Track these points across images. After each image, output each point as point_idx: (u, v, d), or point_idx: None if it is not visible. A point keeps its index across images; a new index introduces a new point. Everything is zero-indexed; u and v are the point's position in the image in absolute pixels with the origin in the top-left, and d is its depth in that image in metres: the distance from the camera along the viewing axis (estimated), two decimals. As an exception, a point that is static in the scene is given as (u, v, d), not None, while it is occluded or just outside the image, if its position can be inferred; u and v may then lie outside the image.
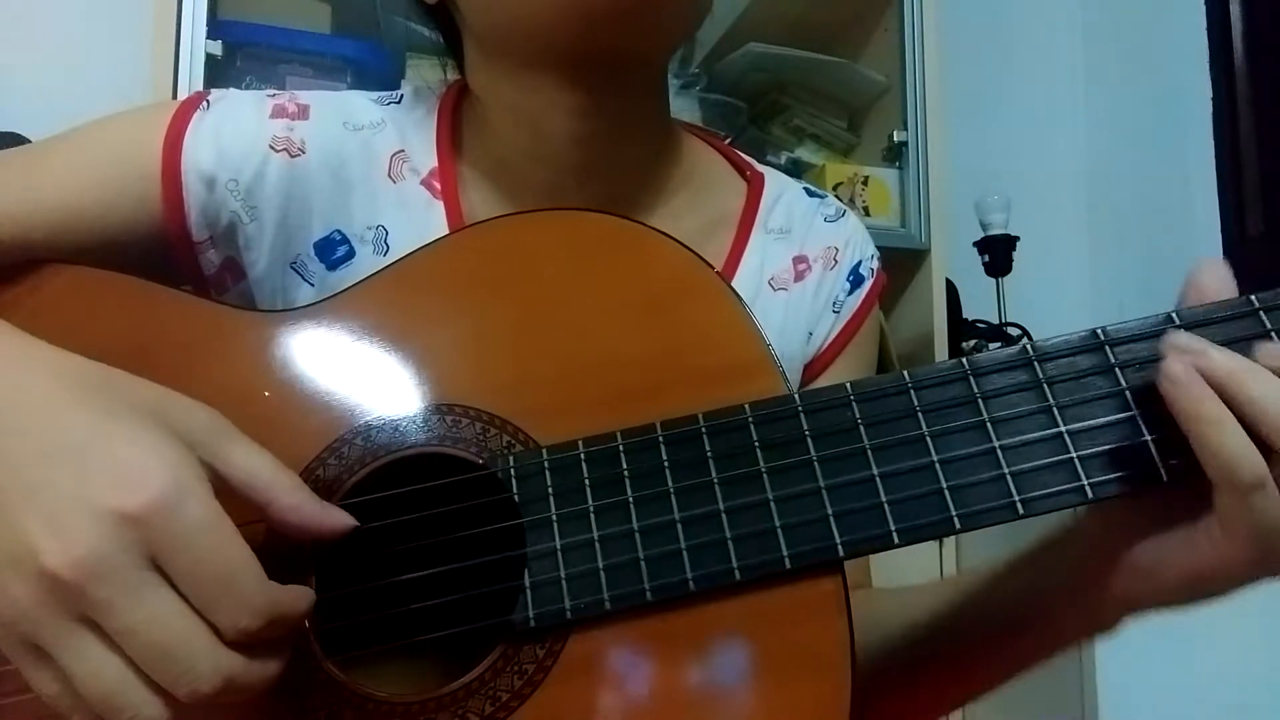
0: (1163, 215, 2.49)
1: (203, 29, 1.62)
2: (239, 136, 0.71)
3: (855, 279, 0.83)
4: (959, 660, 0.67)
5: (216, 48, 1.64)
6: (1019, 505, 0.50)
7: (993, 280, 2.28)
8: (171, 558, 0.45)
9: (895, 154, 2.06)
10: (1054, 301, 2.47)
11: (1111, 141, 2.65)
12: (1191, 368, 0.48)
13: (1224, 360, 0.48)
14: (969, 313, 2.22)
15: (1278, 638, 1.63)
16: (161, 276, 0.65)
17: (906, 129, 2.04)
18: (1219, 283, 0.54)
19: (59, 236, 0.66)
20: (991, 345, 2.18)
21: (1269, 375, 0.48)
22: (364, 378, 0.59)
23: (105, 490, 0.45)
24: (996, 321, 2.25)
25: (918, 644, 0.67)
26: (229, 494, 0.49)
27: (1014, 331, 2.22)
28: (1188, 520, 0.51)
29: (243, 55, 1.71)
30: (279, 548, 0.51)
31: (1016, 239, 2.26)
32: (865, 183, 2.04)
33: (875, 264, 0.85)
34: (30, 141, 1.54)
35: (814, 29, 2.13)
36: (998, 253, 2.26)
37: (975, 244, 2.29)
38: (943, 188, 2.04)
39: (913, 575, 1.86)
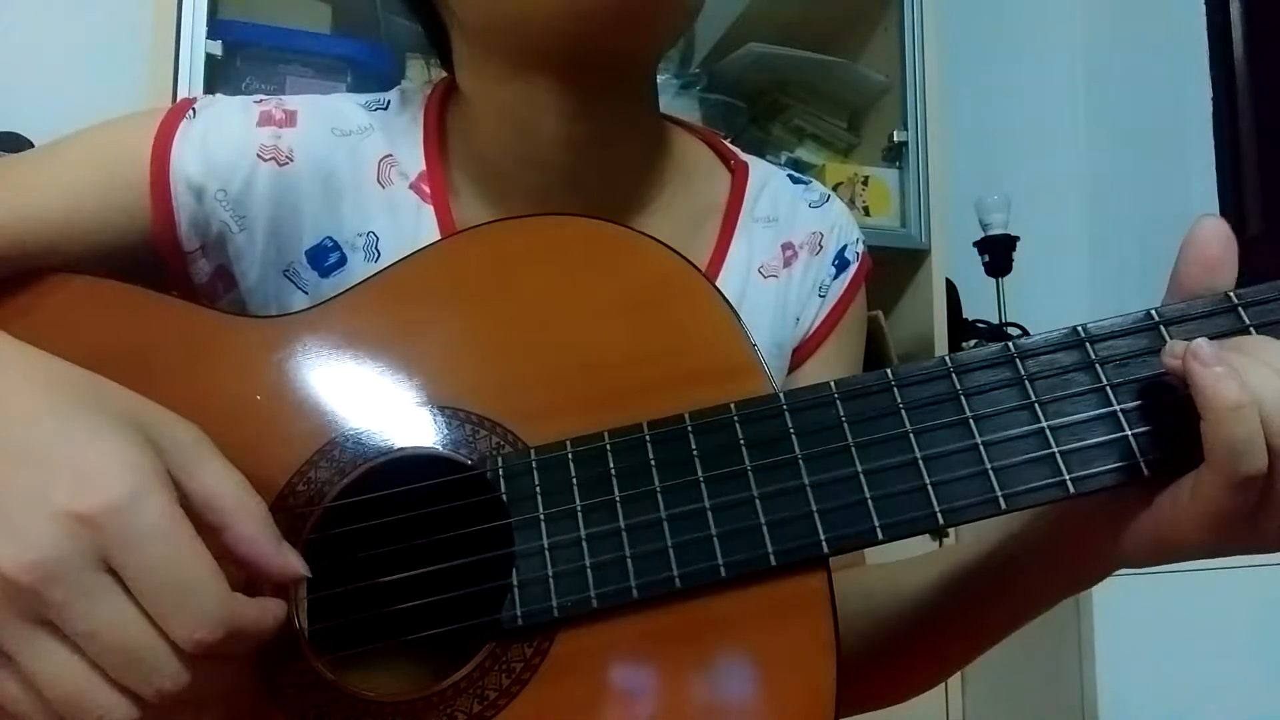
0: (1163, 215, 2.49)
1: (203, 29, 1.63)
2: (226, 146, 0.70)
3: (840, 263, 0.83)
4: (945, 626, 0.67)
5: (216, 48, 1.65)
6: (1001, 500, 0.50)
7: (993, 280, 2.29)
8: (124, 561, 0.44)
9: (895, 154, 2.06)
10: (1054, 301, 2.47)
11: (1111, 141, 2.65)
12: (1220, 351, 0.47)
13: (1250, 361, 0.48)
14: (969, 313, 2.22)
15: (1278, 637, 1.63)
16: (154, 285, 0.65)
17: (906, 129, 2.05)
18: (1220, 242, 0.53)
19: (51, 248, 0.66)
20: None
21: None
22: (355, 382, 0.60)
23: (63, 492, 0.44)
24: (996, 321, 2.26)
25: (905, 612, 0.68)
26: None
27: (1014, 331, 2.23)
28: (1154, 488, 0.51)
29: (243, 55, 1.72)
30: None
31: (1016, 239, 2.26)
32: (865, 183, 2.04)
33: (860, 248, 0.85)
34: (31, 142, 1.55)
35: (814, 29, 2.13)
36: (998, 253, 2.27)
37: (975, 244, 2.29)
38: (943, 188, 2.05)
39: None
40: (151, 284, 0.65)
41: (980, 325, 2.23)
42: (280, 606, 0.49)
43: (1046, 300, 2.39)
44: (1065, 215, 2.66)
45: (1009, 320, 2.25)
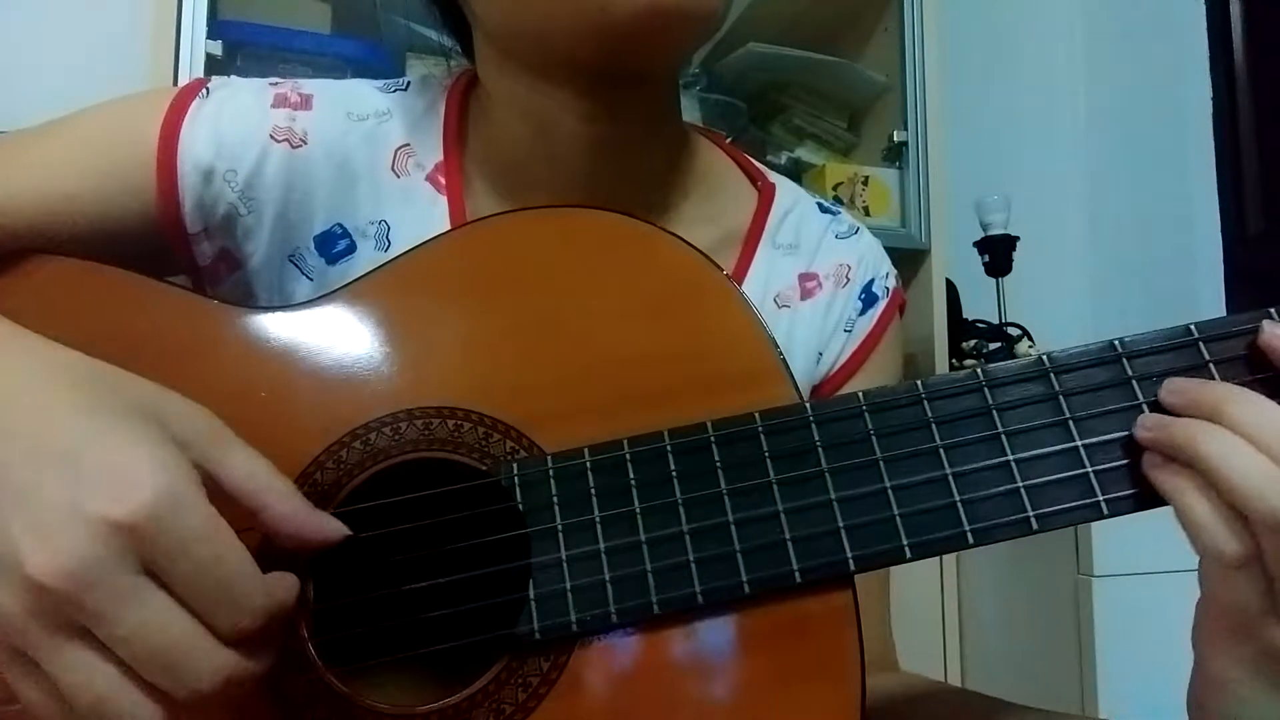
0: (1163, 215, 2.50)
1: (203, 29, 1.62)
2: (238, 126, 0.69)
3: (868, 298, 0.81)
4: None
5: (216, 48, 1.64)
6: (1033, 520, 0.50)
7: (993, 280, 2.28)
8: (168, 566, 0.44)
9: (895, 154, 2.06)
10: (1054, 301, 2.48)
11: (1111, 141, 2.65)
12: (1157, 428, 0.48)
13: (1182, 427, 0.48)
14: (969, 313, 2.22)
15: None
16: (154, 267, 0.63)
17: (906, 129, 2.04)
18: None
19: (47, 225, 0.64)
20: (991, 345, 2.18)
21: (1226, 433, 0.47)
22: (362, 379, 0.58)
23: (95, 496, 0.43)
24: (996, 321, 2.25)
25: None
26: (221, 497, 0.47)
27: (1014, 331, 2.22)
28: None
29: (243, 55, 1.71)
30: (274, 553, 0.50)
31: (1016, 239, 2.26)
32: (865, 183, 2.03)
33: (891, 282, 0.83)
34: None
35: (814, 29, 2.13)
36: (998, 253, 2.26)
37: (975, 244, 2.29)
38: (943, 188, 2.04)
39: (911, 577, 1.85)
40: (149, 269, 0.63)
41: (980, 325, 2.22)
42: (295, 579, 0.49)
43: (1046, 300, 2.39)
44: (1065, 215, 2.66)
45: (1009, 320, 2.25)
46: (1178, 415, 0.49)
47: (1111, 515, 0.50)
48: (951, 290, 2.11)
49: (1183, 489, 0.47)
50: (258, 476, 0.49)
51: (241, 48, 1.71)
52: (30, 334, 0.53)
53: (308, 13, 1.83)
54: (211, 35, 1.63)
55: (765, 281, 0.78)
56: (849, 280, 0.80)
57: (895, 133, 2.05)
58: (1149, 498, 0.50)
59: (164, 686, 0.44)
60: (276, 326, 0.60)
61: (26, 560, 0.42)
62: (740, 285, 0.74)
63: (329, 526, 0.51)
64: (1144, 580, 1.59)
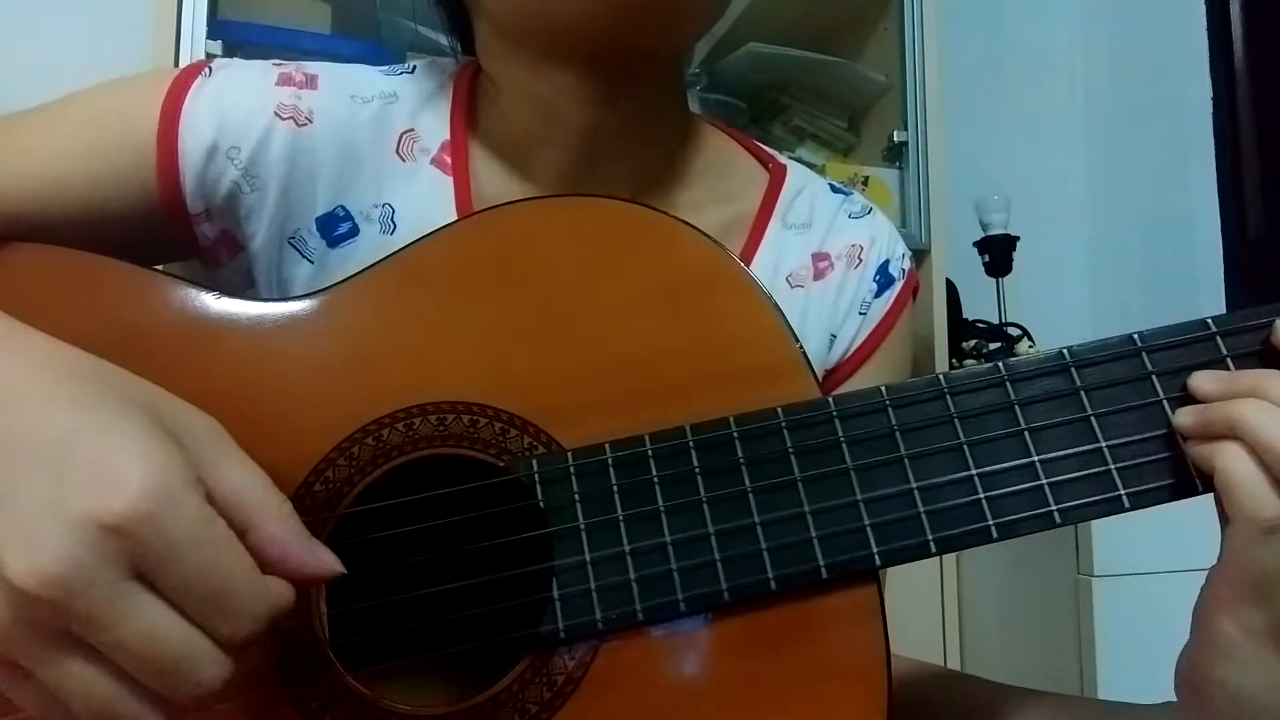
0: (1163, 215, 2.50)
1: (203, 29, 1.62)
2: (242, 103, 0.67)
3: (884, 279, 0.79)
4: None
5: (216, 48, 1.64)
6: (1056, 515, 0.50)
7: (993, 280, 2.28)
8: (160, 571, 0.42)
9: (895, 154, 2.06)
10: (1054, 301, 2.48)
11: (1111, 141, 2.65)
12: (1199, 412, 0.50)
13: (1226, 405, 0.49)
14: (969, 313, 2.22)
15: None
16: (149, 256, 0.62)
17: (906, 129, 2.04)
18: None
19: (40, 209, 0.62)
20: (991, 345, 2.18)
21: (1270, 405, 0.48)
22: (373, 372, 0.56)
23: (82, 495, 0.41)
24: (996, 321, 2.25)
25: None
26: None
27: (1014, 331, 2.22)
28: None
29: (243, 55, 1.70)
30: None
31: (1016, 239, 2.26)
32: (865, 183, 2.03)
33: (906, 263, 0.81)
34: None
35: (814, 29, 2.12)
36: (998, 253, 2.26)
37: (975, 244, 2.29)
38: (943, 188, 2.04)
39: (911, 577, 1.84)
40: (144, 256, 0.61)
41: (980, 325, 2.22)
42: (290, 586, 0.47)
43: (1046, 300, 2.40)
44: (1065, 215, 2.66)
45: (1009, 320, 2.25)
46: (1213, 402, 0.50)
47: (1132, 508, 0.50)
48: (951, 290, 2.11)
49: (1224, 450, 0.48)
50: (252, 492, 0.46)
51: (241, 48, 1.70)
52: (25, 326, 0.51)
53: (308, 13, 1.83)
54: (211, 35, 1.63)
55: (776, 260, 0.77)
56: (861, 261, 0.79)
57: (895, 133, 2.04)
58: (1170, 491, 0.50)
59: (163, 692, 0.43)
60: (281, 318, 0.58)
61: (8, 566, 0.40)
62: (750, 264, 0.74)
63: (321, 559, 0.47)
64: (1144, 580, 1.59)
